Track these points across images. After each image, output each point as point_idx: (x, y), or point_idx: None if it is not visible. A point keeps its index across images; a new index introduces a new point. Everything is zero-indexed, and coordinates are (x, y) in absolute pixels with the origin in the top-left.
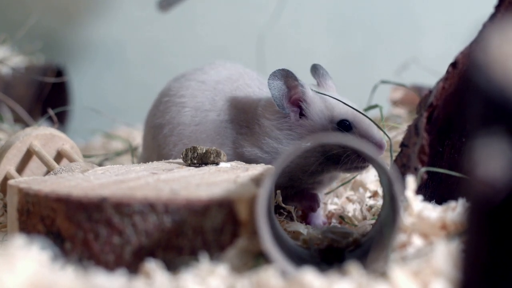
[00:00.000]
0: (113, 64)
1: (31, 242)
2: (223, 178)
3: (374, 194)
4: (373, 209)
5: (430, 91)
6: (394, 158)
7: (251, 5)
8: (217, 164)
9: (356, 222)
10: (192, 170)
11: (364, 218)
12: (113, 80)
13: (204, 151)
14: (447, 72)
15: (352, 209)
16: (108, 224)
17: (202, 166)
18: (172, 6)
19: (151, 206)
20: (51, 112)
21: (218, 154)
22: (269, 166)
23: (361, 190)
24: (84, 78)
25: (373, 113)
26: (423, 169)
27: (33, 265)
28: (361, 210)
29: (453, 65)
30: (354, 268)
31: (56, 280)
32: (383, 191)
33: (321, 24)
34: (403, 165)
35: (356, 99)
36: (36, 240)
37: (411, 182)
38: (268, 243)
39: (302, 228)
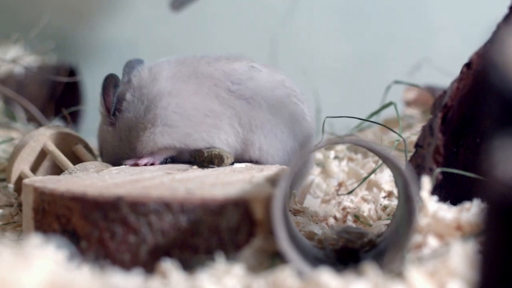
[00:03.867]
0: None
1: (47, 241)
2: (238, 178)
3: (389, 194)
4: (387, 209)
5: (445, 92)
6: (408, 158)
7: (264, 5)
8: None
9: (370, 222)
10: (207, 170)
11: (379, 218)
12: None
13: (211, 154)
14: (461, 72)
15: (367, 209)
16: (123, 223)
17: (213, 166)
18: (184, 6)
19: (166, 206)
20: (64, 111)
21: (221, 159)
22: (284, 166)
23: (375, 190)
24: (96, 77)
25: (386, 112)
26: (438, 170)
27: (50, 264)
28: (375, 210)
29: (467, 65)
30: (370, 269)
31: (73, 279)
32: (398, 192)
33: (334, 25)
34: (418, 166)
35: (369, 100)
36: (52, 239)
37: (426, 182)
38: (284, 243)
39: (317, 229)
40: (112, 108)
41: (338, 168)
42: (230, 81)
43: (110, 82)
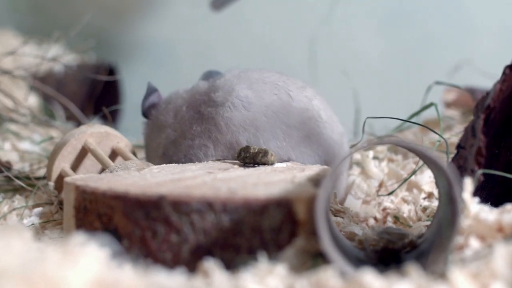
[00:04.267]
0: (164, 63)
1: (90, 239)
2: (280, 178)
3: (429, 195)
4: (427, 210)
5: (487, 93)
6: (450, 159)
7: (303, 5)
8: (264, 163)
9: (410, 223)
10: (248, 169)
11: (419, 219)
12: (164, 79)
13: (256, 150)
14: (504, 74)
15: (407, 210)
16: (166, 222)
17: (255, 166)
18: (225, 5)
19: (209, 205)
20: (105, 110)
21: (265, 154)
22: (325, 166)
23: (415, 191)
24: (135, 76)
25: (426, 113)
26: (480, 171)
27: (96, 263)
28: (415, 211)
29: (510, 67)
30: (413, 269)
31: (120, 278)
32: (440, 193)
33: (373, 25)
34: (460, 167)
35: (408, 100)
36: (98, 237)
37: (468, 184)
38: (327, 244)
39: (357, 229)
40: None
41: (378, 169)
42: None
43: (147, 90)
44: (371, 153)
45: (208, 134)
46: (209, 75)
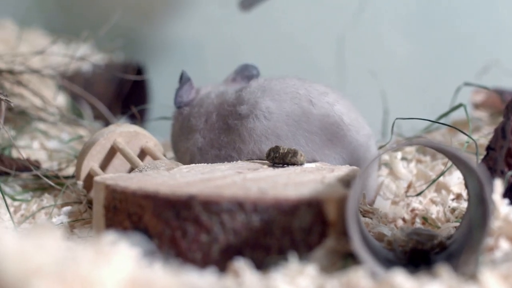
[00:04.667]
0: (191, 63)
1: (122, 238)
2: (310, 178)
3: (458, 197)
4: (456, 212)
5: None
6: (479, 161)
7: (332, 5)
8: (294, 163)
9: (439, 224)
10: (278, 169)
11: (447, 220)
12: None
13: (285, 151)
14: None
15: (435, 211)
16: (196, 222)
17: (284, 166)
18: (254, 5)
19: (239, 205)
20: (134, 109)
21: (295, 154)
22: (355, 167)
23: (444, 192)
24: (162, 76)
25: (454, 114)
26: (510, 173)
27: (129, 262)
28: (444, 212)
29: None
30: (444, 271)
31: (153, 277)
32: (469, 194)
33: (402, 25)
34: (489, 168)
35: (435, 101)
36: (129, 236)
37: (498, 185)
38: (357, 244)
39: (386, 230)
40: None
41: (406, 170)
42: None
43: (182, 79)
44: (399, 154)
45: (233, 145)
46: (244, 69)
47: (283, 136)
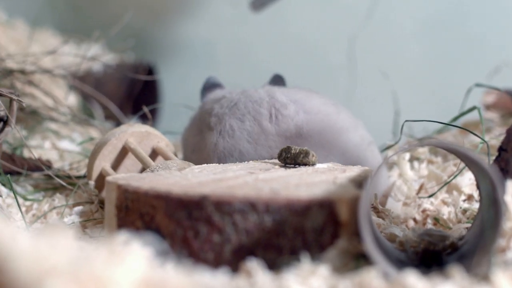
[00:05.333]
0: (202, 63)
1: (134, 238)
2: (322, 179)
3: (469, 198)
4: (467, 213)
5: None
6: (491, 162)
7: (343, 5)
8: (305, 164)
9: (450, 225)
10: (290, 170)
11: (459, 221)
12: (202, 79)
13: (297, 151)
14: None
15: (447, 212)
16: (208, 222)
17: (295, 166)
18: (265, 6)
19: (251, 205)
20: (145, 109)
21: (306, 154)
22: (366, 168)
23: (455, 193)
24: (173, 76)
25: (465, 115)
26: None
27: (142, 262)
28: (455, 213)
29: None
30: (456, 271)
31: (166, 277)
32: (481, 195)
33: (413, 26)
34: (501, 169)
35: (446, 102)
36: (142, 235)
37: (510, 186)
38: (370, 245)
39: (398, 231)
40: None
41: (416, 171)
42: None
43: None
44: (407, 156)
45: (203, 155)
46: (275, 80)
47: (245, 152)
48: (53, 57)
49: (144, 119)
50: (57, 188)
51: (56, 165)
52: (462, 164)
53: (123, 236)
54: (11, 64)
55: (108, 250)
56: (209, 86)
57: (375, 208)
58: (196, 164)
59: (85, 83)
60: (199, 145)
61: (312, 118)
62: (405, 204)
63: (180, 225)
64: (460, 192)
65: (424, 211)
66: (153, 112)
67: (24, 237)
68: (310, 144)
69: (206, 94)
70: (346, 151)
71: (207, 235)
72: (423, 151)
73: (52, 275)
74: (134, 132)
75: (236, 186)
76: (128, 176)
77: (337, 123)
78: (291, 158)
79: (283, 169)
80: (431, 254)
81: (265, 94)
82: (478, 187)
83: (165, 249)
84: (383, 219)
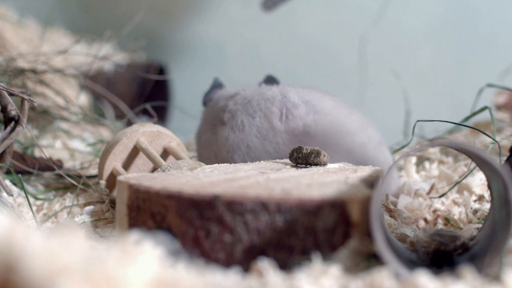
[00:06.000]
0: (213, 63)
1: (146, 238)
2: (333, 179)
3: (480, 198)
4: (478, 213)
5: None
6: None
7: (354, 6)
8: (317, 164)
9: (461, 225)
10: (301, 170)
11: (470, 222)
12: (212, 78)
13: (308, 151)
14: None
15: (457, 212)
16: (219, 222)
17: (307, 166)
18: (276, 6)
19: (263, 205)
20: (149, 108)
21: (318, 154)
22: (377, 168)
23: (466, 193)
24: (184, 76)
25: (476, 116)
26: None
27: (154, 262)
28: (466, 213)
29: None
30: (468, 272)
31: (179, 277)
32: (493, 195)
33: (424, 27)
34: None
35: (458, 103)
36: (154, 235)
37: None
38: (381, 245)
39: (409, 231)
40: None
41: (428, 171)
42: None
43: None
44: (414, 159)
45: (212, 148)
46: (268, 81)
47: (252, 147)
48: (65, 57)
49: (155, 118)
50: (68, 188)
51: (67, 164)
52: (473, 165)
53: (135, 235)
54: (22, 63)
55: (120, 250)
56: (215, 88)
57: (386, 208)
58: (207, 158)
59: (96, 82)
60: (211, 140)
61: (321, 119)
62: (416, 204)
63: (191, 224)
64: (471, 192)
65: (435, 211)
66: (163, 111)
67: (37, 237)
68: (317, 143)
69: (211, 95)
70: (352, 151)
71: (218, 235)
72: (434, 151)
73: (64, 274)
74: (145, 131)
75: (248, 186)
76: (140, 175)
77: (345, 125)
78: (302, 158)
79: (294, 169)
80: (442, 254)
81: (278, 92)
82: (489, 187)
83: (177, 249)
84: (395, 219)
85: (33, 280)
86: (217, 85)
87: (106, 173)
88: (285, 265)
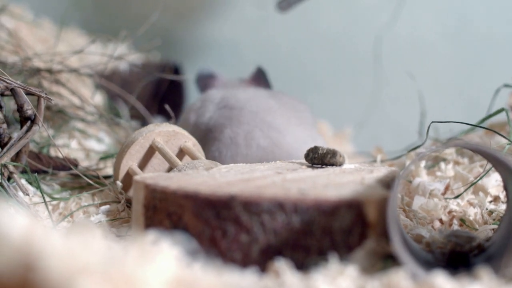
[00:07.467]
0: (228, 63)
1: (164, 237)
2: (349, 179)
3: (495, 199)
4: (493, 214)
5: None
6: None
7: (369, 6)
8: (333, 164)
9: (476, 226)
10: (317, 170)
11: (485, 223)
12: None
13: (324, 151)
14: None
15: (473, 213)
16: (236, 222)
17: (323, 166)
18: (292, 6)
19: (280, 205)
20: (168, 107)
21: (334, 155)
22: (393, 168)
23: (481, 194)
24: None
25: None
26: None
27: (173, 261)
28: (481, 214)
29: None
30: (484, 273)
31: (198, 276)
32: (509, 196)
33: (439, 26)
34: None
35: (473, 103)
36: (172, 235)
37: None
38: (398, 246)
39: (424, 232)
40: None
41: (444, 171)
42: None
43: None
44: (423, 162)
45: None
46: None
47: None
48: (80, 57)
49: (170, 118)
50: (83, 187)
51: (83, 164)
52: (489, 166)
53: (152, 235)
54: (38, 63)
55: (138, 249)
56: (203, 78)
57: (402, 209)
58: None
59: (111, 82)
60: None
61: (222, 114)
62: (431, 204)
63: (208, 224)
64: (486, 193)
65: (450, 212)
66: (178, 111)
67: (56, 236)
68: (213, 135)
69: (202, 85)
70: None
71: (235, 235)
72: (449, 152)
73: (84, 274)
74: (161, 131)
75: (264, 186)
76: (156, 175)
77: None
78: (318, 158)
79: (310, 169)
80: (457, 255)
81: (218, 94)
82: (505, 188)
83: (194, 249)
84: (410, 219)
85: (52, 279)
86: (206, 75)
87: (122, 173)
88: (302, 265)
